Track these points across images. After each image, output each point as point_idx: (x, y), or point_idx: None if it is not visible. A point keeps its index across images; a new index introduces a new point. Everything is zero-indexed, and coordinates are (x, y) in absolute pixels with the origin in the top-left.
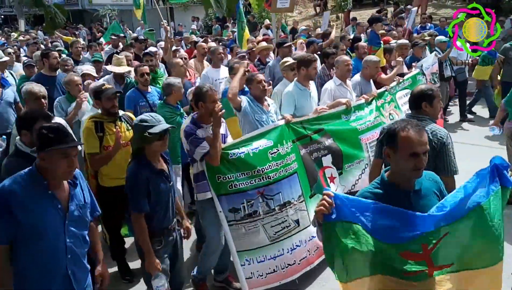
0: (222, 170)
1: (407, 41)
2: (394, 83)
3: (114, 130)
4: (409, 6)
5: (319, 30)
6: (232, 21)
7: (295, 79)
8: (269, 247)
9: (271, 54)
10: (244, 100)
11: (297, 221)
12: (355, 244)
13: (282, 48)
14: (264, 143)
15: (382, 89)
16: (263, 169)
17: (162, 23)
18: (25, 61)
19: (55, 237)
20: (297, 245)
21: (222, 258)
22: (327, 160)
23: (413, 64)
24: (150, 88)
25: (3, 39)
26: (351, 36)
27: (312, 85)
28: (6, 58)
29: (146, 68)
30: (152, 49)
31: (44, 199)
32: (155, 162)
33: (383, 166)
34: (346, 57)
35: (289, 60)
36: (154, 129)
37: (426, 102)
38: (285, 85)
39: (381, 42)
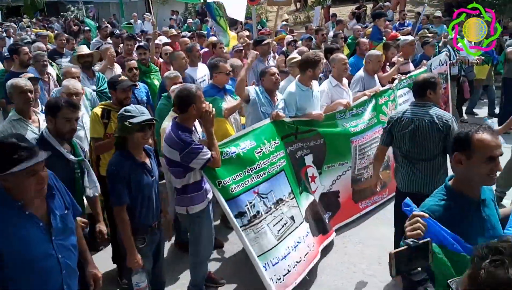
0: (219, 174)
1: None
2: (396, 81)
3: None
4: (387, 3)
5: (312, 26)
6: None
7: (297, 79)
8: (278, 246)
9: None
10: (252, 92)
11: (292, 218)
12: (447, 261)
13: (261, 46)
14: (248, 144)
15: (386, 87)
16: (253, 168)
17: (146, 15)
18: (5, 55)
19: (45, 257)
20: (298, 242)
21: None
22: (308, 159)
23: (424, 62)
24: (138, 84)
25: None
26: (331, 33)
27: (315, 83)
28: None
29: (134, 63)
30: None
31: (23, 221)
32: (137, 155)
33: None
34: (343, 56)
35: (296, 56)
36: (135, 119)
37: (430, 90)
38: (290, 82)
39: (383, 38)
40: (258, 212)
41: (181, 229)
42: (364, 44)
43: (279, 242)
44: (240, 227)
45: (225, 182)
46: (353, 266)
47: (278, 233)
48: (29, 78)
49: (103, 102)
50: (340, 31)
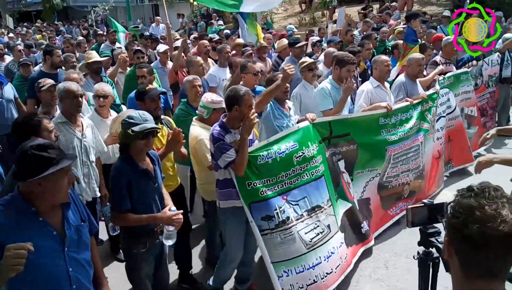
0: (251, 176)
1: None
2: (437, 85)
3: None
4: (394, 4)
5: (334, 27)
6: (217, 18)
7: (330, 76)
8: (307, 255)
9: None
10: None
11: (329, 227)
12: None
13: (294, 48)
14: (290, 146)
15: (431, 91)
16: (287, 174)
17: (157, 18)
18: (21, 60)
19: (55, 268)
20: (331, 252)
21: (245, 267)
22: (341, 165)
23: (473, 62)
24: None
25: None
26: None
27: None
28: None
29: (143, 71)
30: (165, 47)
31: (36, 228)
32: (140, 161)
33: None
34: (386, 57)
35: (307, 60)
36: (137, 127)
37: None
38: (304, 87)
39: (418, 39)
40: (288, 218)
41: (212, 243)
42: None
43: (310, 251)
44: (265, 230)
45: (255, 184)
46: (360, 270)
47: (310, 241)
48: (50, 86)
49: None
50: (364, 32)
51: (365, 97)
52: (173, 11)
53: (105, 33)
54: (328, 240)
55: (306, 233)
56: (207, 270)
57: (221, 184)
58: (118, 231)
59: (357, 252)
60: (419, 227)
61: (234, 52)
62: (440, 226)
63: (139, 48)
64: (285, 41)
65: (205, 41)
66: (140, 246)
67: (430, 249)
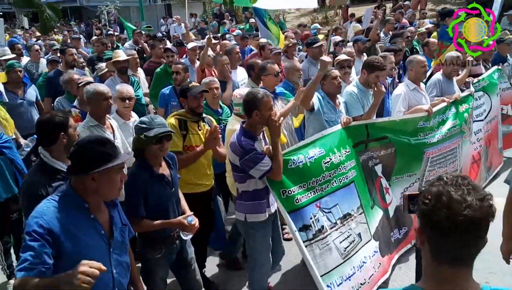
0: (285, 183)
1: None
2: (471, 88)
3: (197, 130)
4: (407, 2)
5: (358, 26)
6: (229, 17)
7: (356, 79)
8: (343, 265)
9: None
10: (315, 100)
11: (360, 235)
12: None
13: (312, 48)
14: (317, 152)
15: (466, 93)
16: (317, 180)
17: (178, 17)
18: (49, 57)
19: None
20: (363, 262)
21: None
22: (378, 170)
23: (501, 64)
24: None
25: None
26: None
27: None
28: (11, 56)
29: (178, 67)
30: (194, 44)
31: (87, 225)
32: (155, 166)
33: None
34: (422, 57)
35: (342, 56)
36: (149, 132)
37: None
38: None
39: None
40: (322, 227)
41: (234, 243)
42: (434, 44)
43: (345, 261)
44: (304, 241)
45: (290, 192)
46: None
47: (344, 251)
48: (86, 83)
49: (176, 112)
50: (390, 32)
51: (403, 101)
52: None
53: (117, 33)
54: (359, 250)
55: (340, 242)
56: (222, 271)
57: (249, 196)
58: (134, 233)
59: (392, 259)
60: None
61: (254, 52)
62: None
63: (168, 46)
64: None
65: (227, 42)
66: (156, 252)
67: None
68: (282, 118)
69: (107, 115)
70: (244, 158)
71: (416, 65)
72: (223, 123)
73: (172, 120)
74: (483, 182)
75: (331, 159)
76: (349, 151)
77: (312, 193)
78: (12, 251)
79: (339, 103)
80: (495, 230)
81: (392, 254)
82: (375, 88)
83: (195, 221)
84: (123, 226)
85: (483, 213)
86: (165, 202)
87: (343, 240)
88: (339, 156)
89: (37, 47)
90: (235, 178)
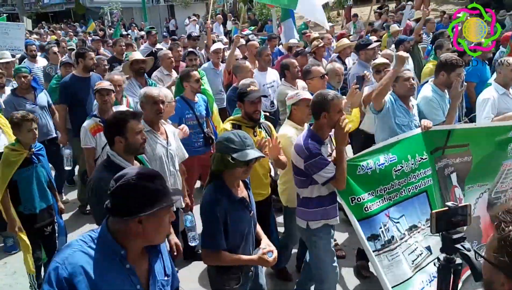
0: (353, 190)
1: None
2: None
3: (253, 136)
4: (409, 2)
5: (395, 27)
6: (232, 18)
7: (431, 81)
8: (413, 279)
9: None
10: (388, 100)
11: (429, 248)
12: None
13: (366, 50)
14: (389, 158)
15: None
16: (386, 188)
17: (194, 18)
18: (63, 60)
19: None
20: (433, 276)
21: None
22: (454, 178)
23: None
24: (197, 97)
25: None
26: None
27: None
28: (10, 59)
29: (197, 74)
30: (216, 46)
31: (120, 277)
32: (234, 188)
33: None
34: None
35: (380, 60)
36: (240, 156)
37: None
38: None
39: None
40: (392, 237)
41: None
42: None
43: (414, 274)
44: (373, 251)
45: (359, 199)
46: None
47: (412, 263)
48: (100, 90)
49: (231, 117)
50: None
51: (492, 106)
52: (188, 12)
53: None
54: (428, 263)
55: (409, 254)
56: (269, 280)
57: (312, 202)
58: (198, 242)
59: (464, 274)
60: (441, 233)
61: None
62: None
63: (192, 50)
64: (345, 41)
65: (256, 42)
66: (233, 282)
67: (453, 255)
68: (350, 125)
69: (161, 120)
70: (308, 161)
71: (505, 68)
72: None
73: (227, 125)
74: None
75: (402, 167)
76: (425, 158)
77: (381, 202)
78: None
79: (413, 106)
80: None
81: (464, 268)
82: (454, 89)
83: (275, 254)
84: (166, 278)
85: None
86: (244, 229)
87: (411, 253)
88: (412, 164)
89: (55, 49)
90: (297, 182)
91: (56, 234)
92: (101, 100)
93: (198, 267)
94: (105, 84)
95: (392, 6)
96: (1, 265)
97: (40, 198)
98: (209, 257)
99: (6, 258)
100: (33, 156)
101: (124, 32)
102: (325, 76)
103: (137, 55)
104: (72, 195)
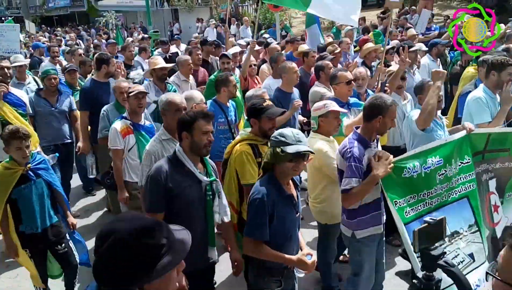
0: (398, 192)
1: None
2: None
3: None
4: (413, 7)
5: (412, 31)
6: (236, 22)
7: (482, 84)
8: (453, 287)
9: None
10: None
11: (472, 256)
12: None
13: (408, 52)
14: (436, 161)
15: None
16: (429, 193)
17: (213, 22)
18: (67, 66)
19: None
20: (477, 285)
21: None
22: (492, 184)
23: None
24: (229, 102)
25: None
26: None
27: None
28: (23, 62)
29: (235, 79)
30: (234, 50)
31: None
32: (284, 184)
33: None
34: None
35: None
36: (289, 148)
37: None
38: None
39: None
40: None
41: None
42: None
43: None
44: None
45: (400, 203)
46: None
47: None
48: (137, 93)
49: (245, 136)
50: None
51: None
52: (192, 15)
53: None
54: (472, 271)
55: None
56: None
57: (359, 211)
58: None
59: None
60: (425, 249)
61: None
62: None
63: (225, 52)
64: (370, 45)
65: (277, 46)
66: (275, 284)
67: (433, 273)
68: (391, 157)
69: None
70: (348, 163)
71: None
72: None
73: (245, 147)
74: None
75: (446, 172)
76: (468, 162)
77: (422, 206)
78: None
79: (440, 117)
80: None
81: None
82: (505, 92)
83: (314, 258)
84: None
85: None
86: (290, 228)
87: (452, 260)
88: (454, 168)
89: (80, 51)
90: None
91: (75, 252)
92: (137, 103)
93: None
94: (141, 87)
95: (395, 11)
96: (3, 267)
97: (42, 216)
98: (251, 247)
99: (8, 261)
100: (29, 172)
101: (130, 38)
102: (352, 81)
103: (161, 62)
104: (89, 201)
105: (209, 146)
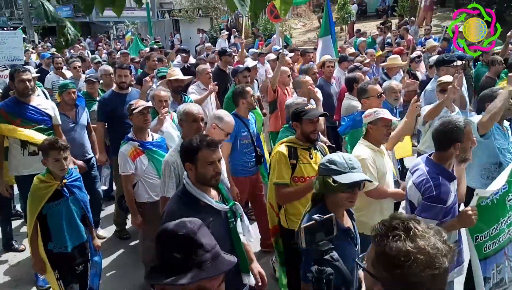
0: (479, 226)
1: None
2: None
3: (309, 159)
4: (413, 18)
5: (432, 42)
6: (236, 33)
7: None
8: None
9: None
10: None
11: None
12: None
13: (448, 66)
14: (501, 185)
15: None
16: (505, 221)
17: (225, 33)
18: (87, 77)
19: None
20: None
21: None
22: None
23: None
24: (249, 115)
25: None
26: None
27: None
28: (33, 75)
29: (251, 90)
30: (252, 63)
31: None
32: (338, 217)
33: None
34: None
35: (444, 78)
36: (342, 178)
37: None
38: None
39: None
40: (501, 279)
41: None
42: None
43: None
44: None
45: (481, 238)
46: None
47: None
48: (143, 109)
49: (285, 139)
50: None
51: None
52: (193, 26)
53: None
54: None
55: None
56: None
57: None
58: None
59: None
60: (312, 245)
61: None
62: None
63: (246, 66)
64: (399, 60)
65: (288, 58)
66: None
67: (324, 267)
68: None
69: None
70: (428, 202)
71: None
72: None
73: (282, 148)
74: None
75: None
76: None
77: (502, 237)
78: None
79: (506, 128)
80: None
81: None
82: None
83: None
84: None
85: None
86: (349, 264)
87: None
88: None
89: (78, 63)
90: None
91: (89, 273)
92: (143, 119)
93: None
94: (146, 103)
95: (395, 22)
96: (3, 276)
97: (72, 235)
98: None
99: (8, 269)
100: (64, 188)
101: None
102: (382, 95)
103: (179, 74)
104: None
105: (218, 177)
